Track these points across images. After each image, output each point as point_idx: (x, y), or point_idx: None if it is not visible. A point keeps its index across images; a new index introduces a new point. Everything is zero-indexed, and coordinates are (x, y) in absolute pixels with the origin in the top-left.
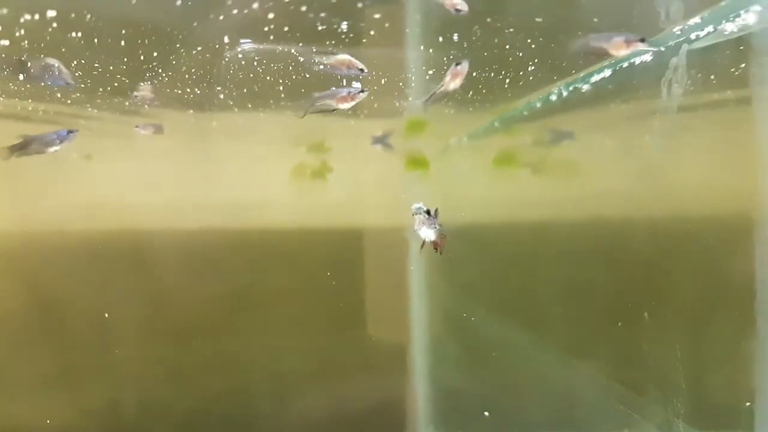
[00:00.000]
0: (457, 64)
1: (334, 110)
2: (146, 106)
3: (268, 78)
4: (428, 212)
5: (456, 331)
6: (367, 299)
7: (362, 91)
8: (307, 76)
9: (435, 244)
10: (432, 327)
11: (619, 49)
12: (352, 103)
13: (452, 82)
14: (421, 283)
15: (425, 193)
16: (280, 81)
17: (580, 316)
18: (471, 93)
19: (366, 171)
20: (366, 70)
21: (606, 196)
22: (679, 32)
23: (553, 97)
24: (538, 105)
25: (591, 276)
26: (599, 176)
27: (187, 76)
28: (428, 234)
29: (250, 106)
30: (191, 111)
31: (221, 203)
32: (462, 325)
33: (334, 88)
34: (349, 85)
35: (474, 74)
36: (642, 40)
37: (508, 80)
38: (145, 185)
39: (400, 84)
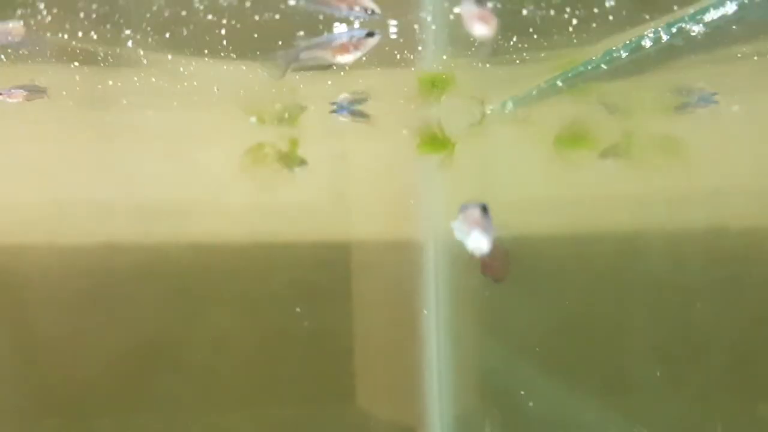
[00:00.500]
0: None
1: (330, 66)
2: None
3: (209, 17)
4: (484, 208)
5: (497, 410)
6: (357, 354)
7: (370, 34)
8: (276, 17)
9: (488, 266)
10: (458, 403)
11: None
12: (357, 54)
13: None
14: (442, 332)
15: (447, 190)
16: (229, 22)
17: (696, 384)
18: (515, 39)
19: (355, 155)
20: (378, 12)
21: (729, 195)
22: None
23: (647, 43)
24: (624, 55)
25: (709, 318)
26: (720, 165)
27: (81, 14)
28: (479, 243)
29: (170, 57)
30: (86, 67)
31: (131, 206)
32: (507, 401)
33: (327, 34)
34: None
35: (524, 12)
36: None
37: (575, 20)
38: (13, 179)
39: (414, 26)
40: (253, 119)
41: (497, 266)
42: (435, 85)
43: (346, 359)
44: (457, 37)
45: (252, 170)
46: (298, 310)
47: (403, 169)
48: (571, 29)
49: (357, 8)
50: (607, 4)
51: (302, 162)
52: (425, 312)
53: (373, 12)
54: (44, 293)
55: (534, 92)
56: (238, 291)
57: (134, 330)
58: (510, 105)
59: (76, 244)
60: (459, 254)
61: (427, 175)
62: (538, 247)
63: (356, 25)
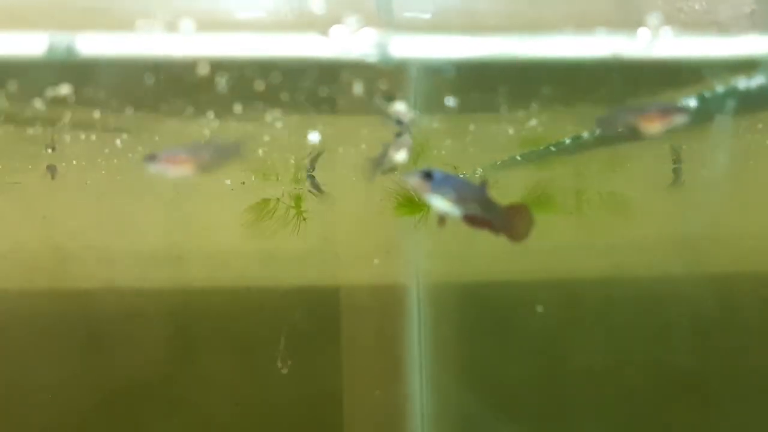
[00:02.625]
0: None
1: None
2: None
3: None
4: (428, 174)
5: None
6: (344, 394)
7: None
8: None
9: (475, 221)
10: None
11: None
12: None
13: (397, 153)
14: (425, 371)
15: (428, 238)
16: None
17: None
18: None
19: (342, 206)
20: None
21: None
22: None
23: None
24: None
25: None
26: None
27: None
28: (440, 205)
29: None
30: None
31: (129, 252)
32: None
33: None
34: None
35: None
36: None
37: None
38: (15, 225)
39: None
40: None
41: (483, 221)
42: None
43: (333, 399)
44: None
45: (255, 222)
46: (286, 352)
47: (387, 220)
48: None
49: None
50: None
51: (304, 217)
52: (409, 352)
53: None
54: (41, 335)
55: (502, 162)
56: (229, 333)
57: (128, 371)
58: (480, 171)
59: (74, 288)
60: (440, 296)
61: (410, 225)
62: (507, 292)
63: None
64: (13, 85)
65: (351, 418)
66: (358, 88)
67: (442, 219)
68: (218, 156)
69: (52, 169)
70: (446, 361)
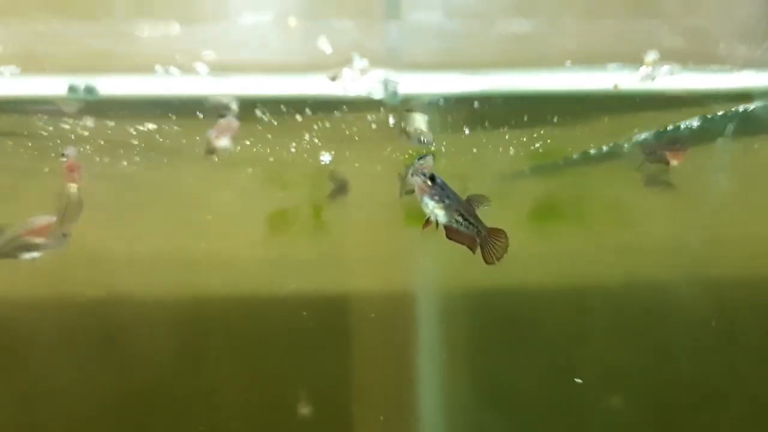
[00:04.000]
0: (419, 159)
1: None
2: None
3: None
4: (432, 178)
5: None
6: (354, 402)
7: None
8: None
9: (453, 234)
10: None
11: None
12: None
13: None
14: (434, 376)
15: (437, 247)
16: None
17: None
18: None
19: (353, 216)
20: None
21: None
22: None
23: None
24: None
25: None
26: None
27: None
28: (432, 209)
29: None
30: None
31: (134, 258)
32: None
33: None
34: None
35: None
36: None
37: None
38: None
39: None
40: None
41: (462, 236)
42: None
43: (343, 408)
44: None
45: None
46: (296, 359)
47: (397, 229)
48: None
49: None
50: None
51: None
52: (419, 359)
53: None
54: (47, 343)
55: (512, 173)
56: (238, 340)
57: (135, 378)
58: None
59: (80, 294)
60: (448, 306)
61: (419, 235)
62: (517, 300)
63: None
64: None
65: (361, 421)
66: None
67: (428, 222)
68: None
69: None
70: (457, 372)
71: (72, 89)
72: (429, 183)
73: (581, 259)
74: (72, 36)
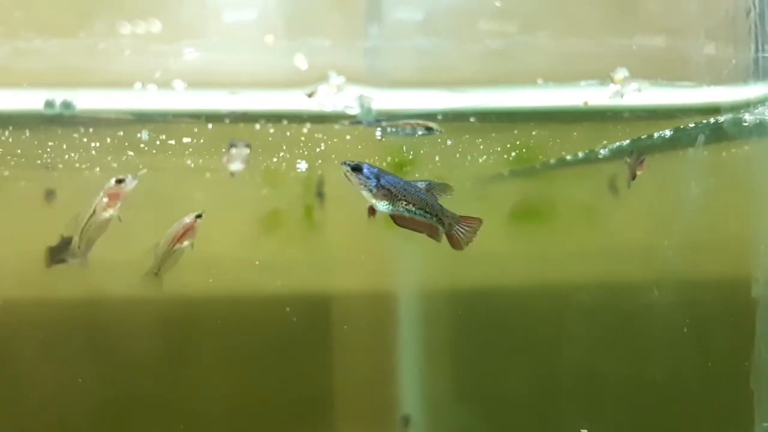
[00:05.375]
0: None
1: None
2: None
3: None
4: (356, 168)
5: None
6: (337, 400)
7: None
8: None
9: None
10: None
11: None
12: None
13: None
14: (416, 376)
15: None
16: None
17: None
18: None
19: (335, 216)
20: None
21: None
22: None
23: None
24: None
25: None
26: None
27: None
28: (368, 198)
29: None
30: None
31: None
32: None
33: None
34: None
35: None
36: None
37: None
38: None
39: None
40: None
41: (416, 223)
42: (402, 166)
43: (327, 406)
44: None
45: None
46: (280, 358)
47: (380, 230)
48: None
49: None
50: None
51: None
52: (400, 359)
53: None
54: (33, 347)
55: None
56: (223, 342)
57: (122, 380)
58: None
59: (66, 297)
60: (430, 306)
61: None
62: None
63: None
64: None
65: (343, 418)
66: None
67: (372, 210)
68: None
69: (50, 194)
70: (438, 372)
71: (48, 104)
72: (351, 173)
73: (560, 260)
74: (51, 52)
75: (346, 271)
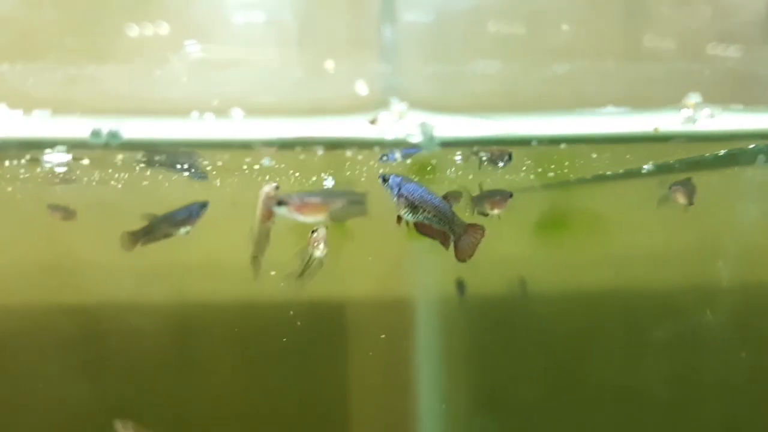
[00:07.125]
0: (313, 232)
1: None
2: None
3: None
4: (384, 179)
5: None
6: (352, 407)
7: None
8: None
9: (423, 228)
10: None
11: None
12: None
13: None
14: (432, 384)
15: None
16: None
17: None
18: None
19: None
20: None
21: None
22: None
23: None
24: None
25: None
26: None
27: None
28: (398, 207)
29: None
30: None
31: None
32: None
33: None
34: None
35: None
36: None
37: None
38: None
39: None
40: None
41: (433, 231)
42: (424, 168)
43: (340, 413)
44: None
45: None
46: (293, 366)
47: (397, 236)
48: None
49: None
50: None
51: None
52: (418, 366)
53: None
54: (32, 350)
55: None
56: (235, 349)
57: (131, 387)
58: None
59: (67, 302)
60: (447, 311)
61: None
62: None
63: None
64: None
65: (358, 427)
66: None
67: (399, 218)
68: (348, 205)
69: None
70: (456, 379)
71: (95, 134)
72: (382, 183)
73: (581, 267)
74: (100, 79)
75: (363, 278)
